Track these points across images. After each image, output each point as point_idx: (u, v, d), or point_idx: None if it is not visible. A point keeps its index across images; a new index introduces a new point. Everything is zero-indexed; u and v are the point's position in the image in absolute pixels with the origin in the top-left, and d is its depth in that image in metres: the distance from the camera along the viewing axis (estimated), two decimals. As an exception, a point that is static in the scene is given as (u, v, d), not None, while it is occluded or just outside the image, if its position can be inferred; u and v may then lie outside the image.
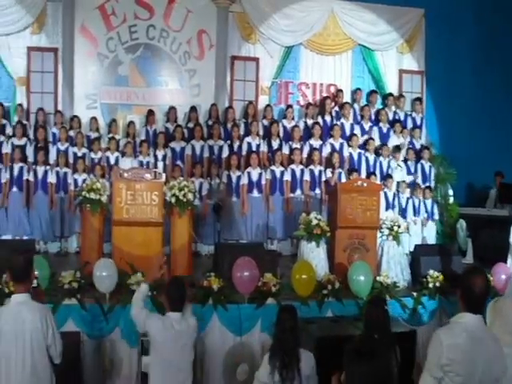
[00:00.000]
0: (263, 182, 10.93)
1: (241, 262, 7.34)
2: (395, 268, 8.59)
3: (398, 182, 11.29)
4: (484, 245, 10.53)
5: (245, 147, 11.36)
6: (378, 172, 11.40)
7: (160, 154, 11.21)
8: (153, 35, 12.45)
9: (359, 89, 13.11)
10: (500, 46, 13.69)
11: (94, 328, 6.84)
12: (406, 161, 11.80)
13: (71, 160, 10.95)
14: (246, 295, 7.25)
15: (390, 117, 12.62)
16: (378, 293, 7.61)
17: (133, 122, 11.85)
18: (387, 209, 10.80)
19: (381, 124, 12.33)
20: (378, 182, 10.81)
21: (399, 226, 8.64)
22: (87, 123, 11.76)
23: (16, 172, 10.52)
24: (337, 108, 12.49)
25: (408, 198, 11.20)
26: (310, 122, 12.10)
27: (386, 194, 10.79)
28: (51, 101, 12.07)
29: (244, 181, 10.85)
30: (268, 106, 12.40)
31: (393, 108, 12.83)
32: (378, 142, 11.98)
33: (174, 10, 12.49)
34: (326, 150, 11.53)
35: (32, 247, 7.98)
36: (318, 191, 11.08)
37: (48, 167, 10.65)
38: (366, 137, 11.99)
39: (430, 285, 7.99)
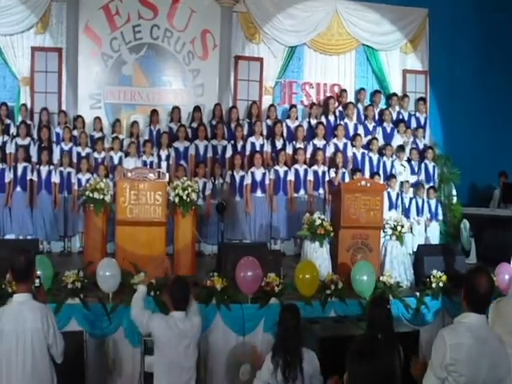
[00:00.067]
0: (267, 181, 10.94)
1: (244, 262, 7.34)
2: (398, 268, 8.58)
3: (402, 182, 11.28)
4: (487, 245, 10.53)
5: (248, 147, 11.37)
6: (381, 172, 11.38)
7: (163, 153, 11.22)
8: (157, 35, 12.46)
9: (363, 89, 13.10)
10: (504, 46, 13.67)
11: (97, 327, 6.85)
12: (409, 161, 11.78)
13: (75, 160, 10.98)
14: (249, 295, 7.25)
15: (394, 117, 12.61)
16: (381, 293, 7.60)
17: (136, 121, 11.85)
18: (390, 209, 10.81)
19: (384, 124, 12.32)
20: (382, 182, 10.80)
21: (403, 226, 8.63)
22: (91, 123, 11.77)
23: (20, 172, 10.54)
24: (340, 108, 12.48)
25: (411, 198, 11.20)
26: (313, 121, 12.09)
27: (389, 193, 10.79)
28: (55, 101, 12.10)
29: (247, 181, 10.86)
30: (272, 105, 12.40)
31: (396, 108, 12.81)
32: (381, 142, 11.97)
33: (177, 9, 12.50)
34: (330, 150, 11.52)
35: (35, 247, 7.96)
36: (321, 191, 11.07)
37: (52, 167, 10.67)
38: (369, 137, 11.97)
39: (434, 285, 7.97)
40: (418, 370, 4.08)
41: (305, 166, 11.10)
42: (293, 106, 12.39)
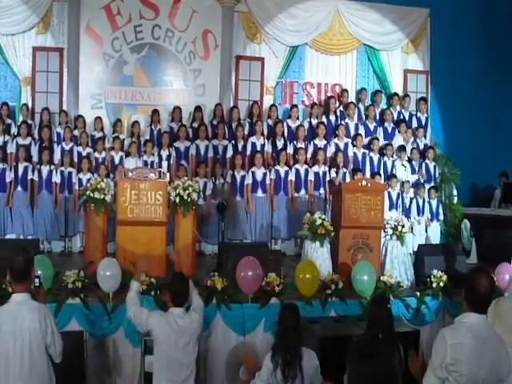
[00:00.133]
0: (267, 181, 10.94)
1: (245, 262, 7.34)
2: (399, 268, 8.58)
3: (403, 182, 11.27)
4: (488, 245, 10.53)
5: (249, 147, 11.38)
6: (382, 172, 11.38)
7: (164, 153, 11.22)
8: (158, 35, 12.46)
9: (364, 88, 13.10)
10: (504, 46, 13.68)
11: (97, 327, 6.85)
12: (410, 160, 11.78)
13: (76, 160, 10.99)
14: (249, 295, 7.25)
15: (395, 117, 12.60)
16: (381, 292, 7.60)
17: (137, 121, 11.86)
18: (391, 209, 10.81)
19: (385, 124, 12.32)
20: (383, 181, 10.80)
21: (403, 226, 8.63)
22: (92, 123, 11.77)
23: (21, 171, 10.54)
24: (341, 108, 12.47)
25: (412, 198, 11.19)
26: (314, 121, 12.09)
27: (389, 193, 10.79)
28: (56, 100, 12.11)
29: (248, 180, 10.86)
30: (273, 105, 12.39)
31: (397, 108, 12.81)
32: (382, 142, 11.96)
33: (179, 9, 12.50)
34: (331, 150, 11.53)
35: (36, 247, 7.95)
36: (322, 191, 11.08)
37: (53, 167, 10.67)
38: (370, 137, 11.97)
39: (434, 285, 7.97)
40: (415, 365, 4.09)
41: (305, 166, 11.10)
42: (294, 106, 12.39)
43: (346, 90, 12.90)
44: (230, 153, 11.34)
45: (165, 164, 11.08)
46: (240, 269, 7.29)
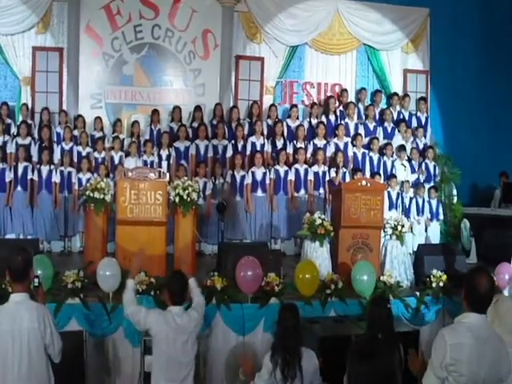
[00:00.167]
0: (267, 181, 10.94)
1: (244, 262, 7.34)
2: (399, 268, 8.58)
3: (402, 182, 11.27)
4: (488, 245, 10.53)
5: (249, 147, 11.37)
6: (382, 172, 11.38)
7: (164, 153, 11.22)
8: (158, 35, 12.46)
9: (364, 88, 13.10)
10: (504, 46, 13.67)
11: (97, 327, 6.85)
12: (410, 160, 11.77)
13: (75, 159, 10.99)
14: (249, 295, 7.25)
15: (395, 116, 12.60)
16: (381, 292, 7.61)
17: (137, 121, 11.85)
18: (391, 208, 10.81)
19: (385, 124, 12.32)
20: (382, 181, 10.80)
21: (403, 226, 8.62)
22: (91, 123, 11.77)
23: (20, 171, 10.54)
24: (341, 108, 12.47)
25: (411, 198, 11.19)
26: (314, 121, 12.09)
27: (389, 193, 10.79)
28: (56, 100, 12.10)
29: (248, 180, 10.86)
30: (272, 105, 12.39)
31: (397, 108, 12.80)
32: (382, 142, 11.96)
33: (179, 9, 12.50)
34: (331, 150, 11.52)
35: (36, 247, 7.95)
36: (321, 191, 11.06)
37: (52, 167, 10.67)
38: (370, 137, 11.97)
39: (434, 284, 7.97)
40: (416, 364, 4.09)
41: (305, 166, 11.09)
42: (293, 106, 12.39)
43: (346, 90, 12.89)
44: (229, 153, 11.33)
45: (164, 164, 11.07)
46: (240, 269, 7.29)
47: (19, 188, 10.52)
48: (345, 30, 13.27)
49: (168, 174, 8.91)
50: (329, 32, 13.23)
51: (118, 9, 12.26)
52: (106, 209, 8.78)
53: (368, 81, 13.53)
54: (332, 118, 12.21)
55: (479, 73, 13.64)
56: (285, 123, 11.87)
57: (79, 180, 10.62)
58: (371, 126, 12.24)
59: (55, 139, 11.33)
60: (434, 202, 11.29)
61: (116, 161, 11.03)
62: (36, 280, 4.57)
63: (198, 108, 12.06)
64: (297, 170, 11.02)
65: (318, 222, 8.36)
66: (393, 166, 11.56)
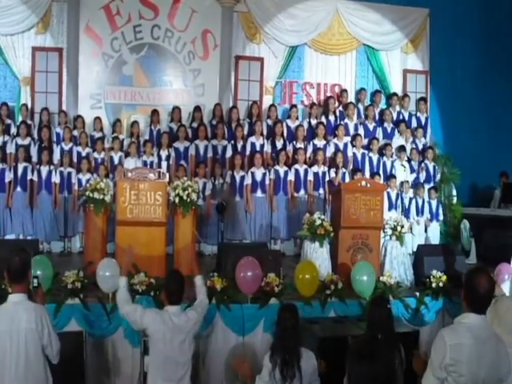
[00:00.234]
0: (267, 181, 10.94)
1: (244, 262, 7.33)
2: (398, 268, 8.57)
3: (402, 182, 11.27)
4: (487, 245, 10.53)
5: (248, 147, 11.37)
6: (381, 172, 11.38)
7: (164, 153, 11.22)
8: (157, 35, 12.46)
9: (363, 89, 13.10)
10: (504, 46, 13.69)
11: (96, 328, 6.84)
12: (409, 160, 11.77)
13: (75, 160, 10.99)
14: (249, 295, 7.24)
15: (394, 117, 12.60)
16: (381, 293, 7.59)
17: (137, 121, 11.85)
18: (390, 209, 10.81)
19: (385, 124, 12.32)
20: (382, 182, 10.80)
21: (403, 226, 8.62)
22: (91, 123, 11.76)
23: (20, 172, 10.54)
24: (341, 108, 12.47)
25: (411, 198, 11.20)
26: (313, 121, 12.09)
27: (389, 194, 10.79)
28: (55, 101, 12.11)
29: (248, 181, 10.86)
30: (272, 105, 12.39)
31: (397, 108, 12.81)
32: (382, 142, 11.96)
33: (178, 9, 12.50)
34: (330, 150, 11.52)
35: (35, 247, 7.95)
36: (321, 191, 11.06)
37: (52, 167, 10.67)
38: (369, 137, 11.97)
39: (434, 285, 7.96)
40: (420, 365, 4.09)
41: (305, 166, 11.10)
42: (293, 106, 12.39)
43: (346, 90, 12.90)
44: (229, 153, 11.33)
45: (164, 164, 11.08)
46: (239, 269, 7.29)
47: (19, 188, 10.52)
48: (344, 30, 13.27)
49: (168, 175, 8.89)
50: (328, 32, 13.23)
51: (117, 9, 12.26)
52: (106, 209, 8.77)
53: (368, 81, 13.53)
54: (332, 118, 12.22)
55: (479, 73, 13.65)
56: (284, 123, 11.88)
57: (79, 180, 10.61)
58: (371, 126, 12.24)
59: (55, 139, 11.33)
60: (433, 203, 11.30)
61: (116, 161, 11.03)
62: (35, 280, 4.57)
63: (197, 108, 12.06)
64: (296, 171, 11.02)
65: (318, 222, 8.35)
66: (392, 166, 11.56)
